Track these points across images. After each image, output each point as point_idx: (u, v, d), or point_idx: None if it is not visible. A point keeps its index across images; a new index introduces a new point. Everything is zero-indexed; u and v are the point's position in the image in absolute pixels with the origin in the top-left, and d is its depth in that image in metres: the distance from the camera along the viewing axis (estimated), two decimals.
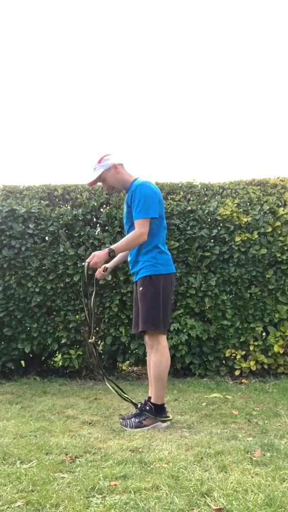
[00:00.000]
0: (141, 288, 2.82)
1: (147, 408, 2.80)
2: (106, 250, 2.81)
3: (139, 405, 2.88)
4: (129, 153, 3.12)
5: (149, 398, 2.86)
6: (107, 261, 2.91)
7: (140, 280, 2.82)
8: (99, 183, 3.00)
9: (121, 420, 2.79)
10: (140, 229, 2.76)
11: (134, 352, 4.42)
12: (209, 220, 4.47)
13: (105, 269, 2.95)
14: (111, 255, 2.83)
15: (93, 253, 2.82)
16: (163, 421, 2.79)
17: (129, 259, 2.96)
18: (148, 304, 2.78)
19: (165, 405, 2.86)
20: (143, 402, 2.89)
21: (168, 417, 2.83)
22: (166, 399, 3.42)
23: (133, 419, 2.77)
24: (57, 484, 1.86)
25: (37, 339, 4.40)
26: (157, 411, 2.79)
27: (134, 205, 2.78)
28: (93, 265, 2.81)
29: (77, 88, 13.79)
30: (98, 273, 2.98)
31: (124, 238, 2.82)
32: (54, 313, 4.50)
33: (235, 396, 3.57)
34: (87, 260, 2.82)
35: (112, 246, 2.83)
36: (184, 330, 4.25)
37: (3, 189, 4.84)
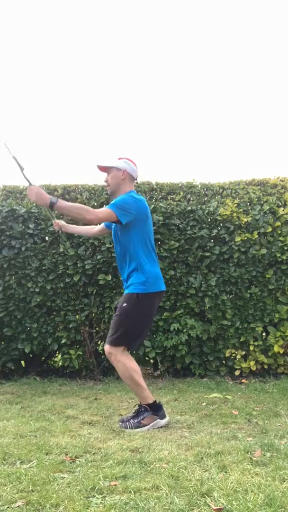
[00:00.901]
0: (125, 304, 2.81)
1: (143, 409, 2.80)
2: (48, 196, 2.68)
3: (136, 406, 2.89)
4: (129, 153, 3.14)
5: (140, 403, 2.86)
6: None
7: (128, 295, 2.83)
8: (105, 173, 3.01)
9: (120, 423, 2.79)
10: (97, 213, 2.73)
11: (133, 352, 4.41)
12: (209, 220, 4.47)
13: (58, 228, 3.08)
14: (52, 202, 2.65)
15: (36, 190, 2.67)
16: (162, 418, 2.79)
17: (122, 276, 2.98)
18: (124, 322, 2.78)
19: (157, 401, 2.85)
20: (139, 403, 2.88)
21: (165, 416, 2.84)
22: (166, 399, 3.43)
23: (131, 421, 2.77)
24: (57, 484, 1.86)
25: (37, 339, 4.40)
26: (153, 409, 2.79)
27: (114, 200, 2.81)
28: (30, 195, 2.68)
29: (77, 88, 13.79)
30: (54, 224, 3.09)
31: (77, 204, 2.80)
32: (54, 313, 4.50)
33: (235, 396, 3.57)
34: (29, 189, 2.69)
35: (59, 199, 2.71)
36: (184, 330, 4.25)
37: (3, 189, 4.84)
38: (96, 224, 3.04)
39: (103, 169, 2.98)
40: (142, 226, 2.84)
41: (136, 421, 2.76)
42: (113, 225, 2.94)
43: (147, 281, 2.79)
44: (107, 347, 2.83)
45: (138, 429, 2.70)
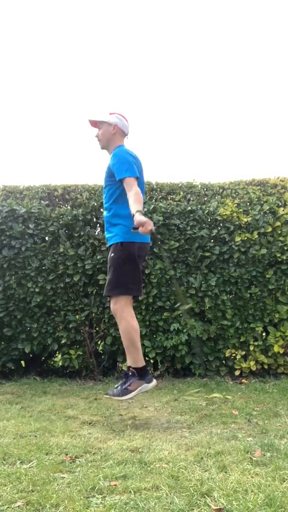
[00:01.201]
0: (112, 254, 2.87)
1: (130, 374, 2.83)
2: (139, 212, 2.59)
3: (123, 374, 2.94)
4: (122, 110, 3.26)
5: (130, 366, 2.88)
6: None
7: (113, 246, 2.88)
8: (96, 129, 3.04)
9: (109, 393, 2.82)
10: (132, 188, 2.76)
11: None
12: (209, 220, 4.47)
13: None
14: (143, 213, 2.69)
15: (137, 223, 2.57)
16: (149, 382, 2.82)
17: (105, 225, 2.99)
18: (117, 271, 2.83)
19: (147, 368, 2.88)
20: (126, 370, 2.90)
21: (152, 379, 2.87)
22: (166, 399, 3.43)
23: (119, 387, 2.80)
24: (57, 484, 1.86)
25: (37, 339, 4.40)
26: (140, 374, 2.81)
27: (116, 167, 2.82)
28: (146, 231, 2.58)
29: (77, 88, 13.80)
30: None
31: (131, 201, 2.70)
32: (54, 313, 4.50)
33: (235, 396, 3.57)
34: (141, 231, 2.56)
35: (138, 209, 2.63)
36: (184, 330, 4.25)
37: (3, 189, 4.84)
38: None
39: (94, 124, 3.01)
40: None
41: (123, 387, 2.79)
42: (106, 176, 2.97)
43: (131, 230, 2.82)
44: (112, 304, 2.89)
45: (126, 396, 2.74)
